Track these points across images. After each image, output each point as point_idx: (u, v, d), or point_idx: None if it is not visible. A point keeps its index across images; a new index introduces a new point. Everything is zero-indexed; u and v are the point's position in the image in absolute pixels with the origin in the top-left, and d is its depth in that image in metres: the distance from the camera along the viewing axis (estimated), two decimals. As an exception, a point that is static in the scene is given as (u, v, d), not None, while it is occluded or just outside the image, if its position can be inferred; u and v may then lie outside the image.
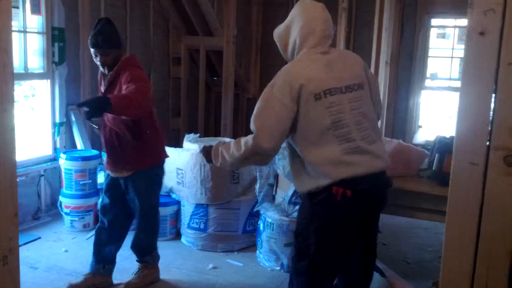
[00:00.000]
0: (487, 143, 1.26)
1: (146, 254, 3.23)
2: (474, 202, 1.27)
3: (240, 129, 6.08)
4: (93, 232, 3.27)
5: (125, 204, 3.08)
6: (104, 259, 3.13)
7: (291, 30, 2.22)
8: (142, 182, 3.01)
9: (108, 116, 2.85)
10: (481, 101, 1.24)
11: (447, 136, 3.40)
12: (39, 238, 3.89)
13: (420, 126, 5.71)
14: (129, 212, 3.12)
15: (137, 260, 3.25)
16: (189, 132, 4.39)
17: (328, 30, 2.22)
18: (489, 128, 1.25)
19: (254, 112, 2.16)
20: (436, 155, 3.28)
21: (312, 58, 2.16)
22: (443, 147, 3.24)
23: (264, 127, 2.10)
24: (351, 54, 2.38)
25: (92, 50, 2.84)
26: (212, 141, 4.14)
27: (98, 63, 2.86)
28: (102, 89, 2.94)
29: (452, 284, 1.30)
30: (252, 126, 2.14)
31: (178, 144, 4.49)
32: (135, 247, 3.22)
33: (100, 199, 3.17)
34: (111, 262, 3.17)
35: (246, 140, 2.15)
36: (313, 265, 2.16)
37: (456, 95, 6.33)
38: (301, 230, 2.21)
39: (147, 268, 3.22)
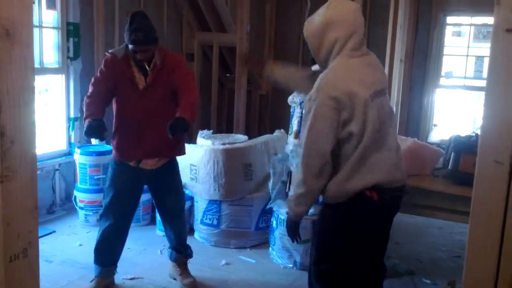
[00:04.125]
0: (513, 141, 1.24)
1: (188, 245, 3.21)
2: (498, 201, 1.25)
3: (252, 126, 6.07)
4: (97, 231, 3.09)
5: (137, 199, 3.06)
6: (117, 259, 3.07)
7: (329, 30, 2.08)
8: (178, 169, 3.08)
9: (147, 102, 2.84)
10: (507, 99, 1.22)
11: (463, 135, 3.37)
12: (54, 231, 3.92)
13: (435, 125, 5.66)
14: (135, 208, 3.07)
15: (180, 258, 3.16)
16: (202, 128, 4.39)
17: (364, 32, 2.18)
18: (515, 126, 1.24)
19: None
20: (452, 154, 3.26)
21: (355, 62, 2.10)
22: (459, 146, 3.22)
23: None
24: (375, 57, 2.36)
25: (130, 46, 2.80)
26: (224, 138, 4.14)
27: (135, 60, 2.84)
28: (138, 79, 2.85)
29: (475, 284, 1.29)
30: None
31: (191, 140, 4.49)
32: (180, 243, 3.16)
33: (111, 194, 2.94)
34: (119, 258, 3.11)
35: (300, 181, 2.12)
36: (338, 270, 2.17)
37: (471, 94, 6.29)
38: (325, 234, 2.20)
39: (187, 262, 3.21)
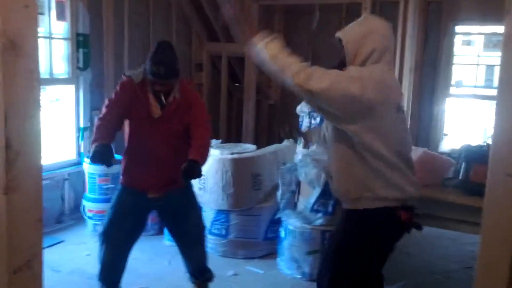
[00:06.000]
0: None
1: (208, 269, 3.04)
2: (510, 214, 1.22)
3: (261, 135, 6.06)
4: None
5: (141, 226, 2.91)
6: (120, 279, 2.92)
7: (369, 39, 2.13)
8: (191, 194, 2.94)
9: (159, 132, 2.74)
10: (518, 109, 1.19)
11: (474, 144, 3.33)
12: (63, 241, 3.93)
13: (445, 134, 5.60)
14: (138, 233, 2.92)
15: (198, 282, 3.02)
16: (211, 138, 4.38)
17: (393, 48, 2.27)
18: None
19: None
20: (463, 164, 3.21)
21: (389, 73, 2.19)
22: (470, 155, 3.17)
23: (328, 78, 2.00)
24: None
25: (150, 77, 2.68)
26: (233, 147, 4.13)
27: (153, 89, 2.73)
28: (154, 108, 2.74)
29: (487, 299, 1.26)
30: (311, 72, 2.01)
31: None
32: (197, 270, 3.00)
33: (109, 218, 2.82)
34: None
35: (299, 74, 2.00)
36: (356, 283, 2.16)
37: (482, 103, 6.22)
38: (347, 250, 2.18)
39: (208, 286, 3.06)
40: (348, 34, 2.18)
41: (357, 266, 2.14)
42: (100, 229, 2.96)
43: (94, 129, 2.77)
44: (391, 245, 2.21)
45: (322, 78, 1.98)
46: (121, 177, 2.89)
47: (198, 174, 2.60)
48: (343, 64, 2.16)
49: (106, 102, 2.83)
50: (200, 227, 3.00)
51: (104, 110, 2.80)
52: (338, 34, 2.20)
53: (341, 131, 2.11)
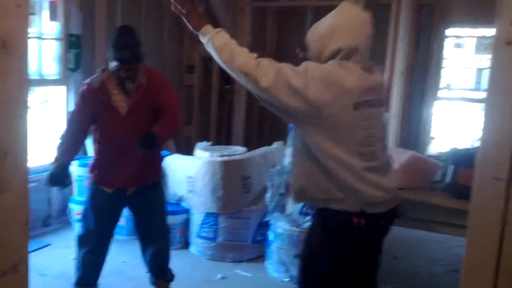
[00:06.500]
0: (512, 157, 1.21)
1: (168, 269, 3.06)
2: (496, 218, 1.23)
3: (252, 137, 6.06)
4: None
5: (116, 223, 2.94)
6: (97, 279, 2.94)
7: (334, 38, 1.95)
8: (161, 192, 2.98)
9: (130, 127, 2.72)
10: (507, 113, 1.19)
11: (461, 147, 3.35)
12: (49, 245, 3.89)
13: (432, 138, 5.64)
14: (114, 231, 2.95)
15: (159, 282, 3.04)
16: (201, 140, 4.38)
17: (370, 45, 2.03)
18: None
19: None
20: (450, 167, 3.23)
21: (354, 68, 1.96)
22: (457, 159, 3.20)
23: (275, 71, 1.88)
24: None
25: (115, 64, 2.63)
26: (223, 149, 4.13)
27: (118, 76, 2.70)
28: (120, 103, 2.72)
29: (471, 303, 1.26)
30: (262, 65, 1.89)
31: (188, 152, 4.47)
32: (160, 268, 3.02)
33: (90, 221, 2.82)
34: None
35: (248, 62, 1.89)
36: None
37: (471, 106, 6.28)
38: (312, 254, 2.10)
39: (168, 286, 3.08)
40: (314, 30, 2.02)
41: (322, 269, 2.05)
42: (78, 232, 2.95)
43: (56, 147, 2.77)
44: (355, 253, 2.03)
45: (268, 69, 1.87)
46: (91, 175, 2.87)
47: (153, 144, 2.65)
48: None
49: (69, 116, 2.86)
50: (166, 224, 3.03)
51: (66, 125, 2.82)
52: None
53: (298, 130, 2.02)
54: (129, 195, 2.84)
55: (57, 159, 2.71)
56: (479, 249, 1.27)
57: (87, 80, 2.81)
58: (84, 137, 2.87)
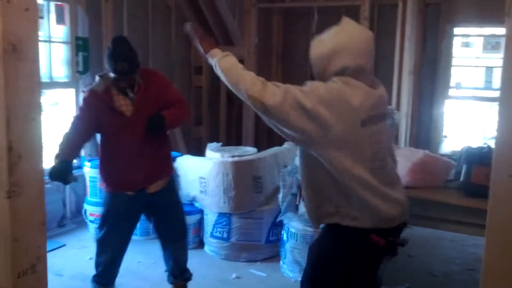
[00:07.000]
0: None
1: (186, 269, 3.09)
2: (515, 214, 1.22)
3: (261, 138, 6.06)
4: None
5: (135, 227, 2.97)
6: (115, 278, 2.97)
7: (339, 56, 1.92)
8: (176, 188, 3.03)
9: (138, 128, 2.74)
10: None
11: (474, 146, 3.33)
12: (64, 245, 3.92)
13: (445, 136, 5.61)
14: (131, 234, 2.96)
15: (177, 282, 3.06)
16: (211, 141, 4.38)
17: (372, 62, 2.02)
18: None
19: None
20: (464, 165, 3.21)
21: (359, 85, 1.92)
22: (470, 157, 3.17)
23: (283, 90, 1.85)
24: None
25: (114, 75, 2.70)
26: (234, 150, 4.13)
27: (118, 86, 2.75)
28: (124, 107, 2.76)
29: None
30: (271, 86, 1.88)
31: (200, 153, 4.48)
32: (178, 267, 3.04)
33: (106, 228, 2.84)
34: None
35: (254, 84, 1.89)
36: None
37: (481, 104, 6.24)
38: (322, 264, 2.07)
39: (186, 285, 3.10)
40: (316, 47, 1.99)
41: (331, 282, 2.03)
42: (97, 236, 2.96)
43: (58, 144, 2.76)
44: (368, 268, 2.01)
45: (275, 92, 1.85)
46: (104, 185, 2.90)
47: (162, 126, 2.76)
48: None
49: (73, 118, 2.85)
50: (184, 222, 3.06)
51: (70, 126, 2.82)
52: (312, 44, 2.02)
53: (308, 153, 1.98)
54: (150, 194, 2.85)
55: (58, 155, 2.70)
56: (499, 246, 1.26)
57: (89, 87, 2.86)
58: (87, 139, 2.89)
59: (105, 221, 2.86)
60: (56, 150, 2.74)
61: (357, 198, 1.90)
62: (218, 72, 1.99)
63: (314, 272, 2.12)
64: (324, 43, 1.97)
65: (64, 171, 2.67)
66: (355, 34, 1.96)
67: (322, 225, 2.12)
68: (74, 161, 2.94)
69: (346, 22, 1.99)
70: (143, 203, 2.88)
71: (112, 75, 2.70)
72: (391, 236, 1.96)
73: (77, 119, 2.83)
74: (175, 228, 2.98)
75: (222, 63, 1.97)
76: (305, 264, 2.22)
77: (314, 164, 1.94)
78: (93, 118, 2.77)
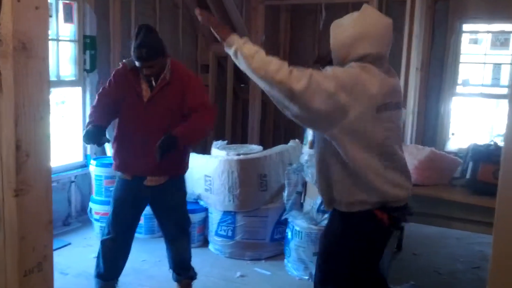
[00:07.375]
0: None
1: (190, 267, 3.10)
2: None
3: (267, 136, 6.06)
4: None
5: (138, 214, 2.97)
6: (118, 274, 2.96)
7: (362, 43, 1.97)
8: (184, 185, 3.00)
9: (151, 115, 2.77)
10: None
11: (481, 143, 3.32)
12: (69, 244, 3.94)
13: (452, 134, 5.58)
14: (136, 222, 2.97)
15: (181, 280, 3.07)
16: (217, 139, 4.39)
17: (389, 50, 2.08)
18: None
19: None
20: (470, 163, 3.20)
21: (377, 72, 1.99)
22: (477, 155, 3.17)
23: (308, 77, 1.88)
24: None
25: (137, 62, 2.70)
26: (239, 148, 4.14)
27: (144, 74, 2.75)
28: (144, 92, 2.77)
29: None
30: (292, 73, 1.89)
31: (205, 151, 4.49)
32: (181, 266, 3.05)
33: (111, 209, 2.89)
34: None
35: (280, 70, 1.89)
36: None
37: (489, 102, 6.18)
38: (333, 251, 2.14)
39: (191, 284, 3.11)
40: (338, 34, 2.02)
41: (343, 267, 2.09)
42: (104, 226, 2.99)
43: (88, 116, 2.84)
44: (376, 247, 2.12)
45: (301, 75, 1.87)
46: (113, 163, 2.92)
47: (172, 147, 2.65)
48: (327, 63, 2.06)
49: (100, 90, 2.90)
50: (186, 221, 3.04)
51: (96, 98, 2.88)
52: (331, 30, 2.05)
53: (322, 138, 2.04)
54: (148, 187, 2.84)
55: (90, 122, 2.76)
56: (507, 244, 1.25)
57: (125, 60, 2.89)
58: (113, 114, 2.88)
59: (110, 201, 2.93)
60: (87, 120, 2.84)
61: (364, 181, 1.98)
62: (239, 58, 1.97)
63: (325, 255, 2.18)
64: (346, 30, 2.01)
65: (97, 133, 2.71)
66: (377, 21, 2.02)
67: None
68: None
69: (368, 9, 2.04)
70: (142, 194, 2.86)
71: (136, 62, 2.72)
72: (395, 213, 2.06)
73: (104, 92, 2.88)
74: (175, 227, 2.98)
75: (246, 49, 1.95)
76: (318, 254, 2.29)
77: (327, 148, 2.02)
78: (118, 91, 2.81)
